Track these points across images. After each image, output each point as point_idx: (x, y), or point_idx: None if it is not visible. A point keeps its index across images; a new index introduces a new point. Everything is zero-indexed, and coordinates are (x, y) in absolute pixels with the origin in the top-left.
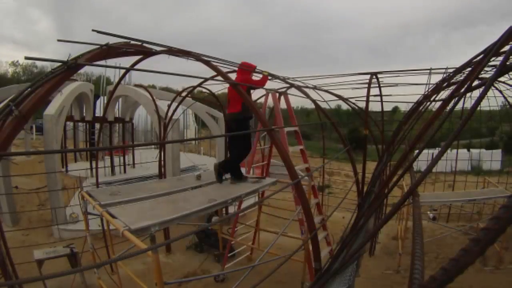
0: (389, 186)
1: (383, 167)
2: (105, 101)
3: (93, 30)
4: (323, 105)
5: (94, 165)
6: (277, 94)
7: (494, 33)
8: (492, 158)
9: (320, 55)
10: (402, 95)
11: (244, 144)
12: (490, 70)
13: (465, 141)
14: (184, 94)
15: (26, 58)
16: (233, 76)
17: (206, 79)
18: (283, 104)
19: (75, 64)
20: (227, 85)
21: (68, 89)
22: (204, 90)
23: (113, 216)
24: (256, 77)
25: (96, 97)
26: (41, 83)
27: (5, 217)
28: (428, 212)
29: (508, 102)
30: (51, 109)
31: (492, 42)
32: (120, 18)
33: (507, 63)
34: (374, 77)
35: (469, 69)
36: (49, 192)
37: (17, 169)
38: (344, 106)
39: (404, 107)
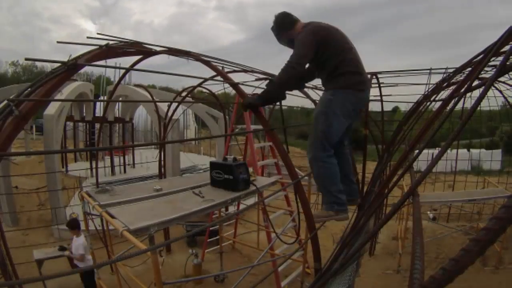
0: (389, 186)
1: (383, 167)
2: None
3: (98, 34)
4: None
5: (94, 165)
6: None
7: None
8: (492, 158)
9: None
10: (402, 95)
11: None
12: (490, 70)
13: (465, 141)
14: (184, 94)
15: (26, 59)
16: (233, 76)
17: (206, 79)
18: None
19: (75, 65)
20: (227, 85)
21: (68, 89)
22: (204, 90)
23: (112, 217)
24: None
25: (96, 97)
26: (41, 83)
27: (5, 217)
28: (428, 212)
29: (508, 102)
30: (51, 109)
31: (492, 42)
32: None
33: (507, 63)
34: (374, 77)
35: (469, 69)
36: (49, 192)
37: (17, 169)
38: None
39: (404, 107)
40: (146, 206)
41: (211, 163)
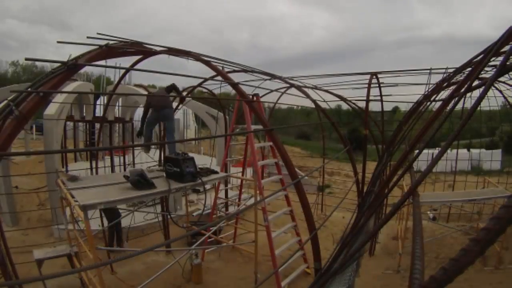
0: (389, 186)
1: (383, 167)
2: (105, 101)
3: (98, 33)
4: (323, 105)
5: (94, 165)
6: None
7: None
8: (492, 158)
9: None
10: (402, 95)
11: None
12: (490, 70)
13: (465, 141)
14: (184, 94)
15: (26, 59)
16: (233, 76)
17: (206, 79)
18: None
19: (75, 65)
20: (224, 85)
21: (69, 89)
22: (204, 90)
23: (72, 196)
24: None
25: (96, 96)
26: (41, 83)
27: (5, 217)
28: (428, 212)
29: (508, 102)
30: (51, 109)
31: (492, 42)
32: None
33: (507, 63)
34: (374, 77)
35: (469, 69)
36: (49, 192)
37: (17, 169)
38: (345, 106)
39: (404, 107)
40: (102, 190)
41: (166, 157)
